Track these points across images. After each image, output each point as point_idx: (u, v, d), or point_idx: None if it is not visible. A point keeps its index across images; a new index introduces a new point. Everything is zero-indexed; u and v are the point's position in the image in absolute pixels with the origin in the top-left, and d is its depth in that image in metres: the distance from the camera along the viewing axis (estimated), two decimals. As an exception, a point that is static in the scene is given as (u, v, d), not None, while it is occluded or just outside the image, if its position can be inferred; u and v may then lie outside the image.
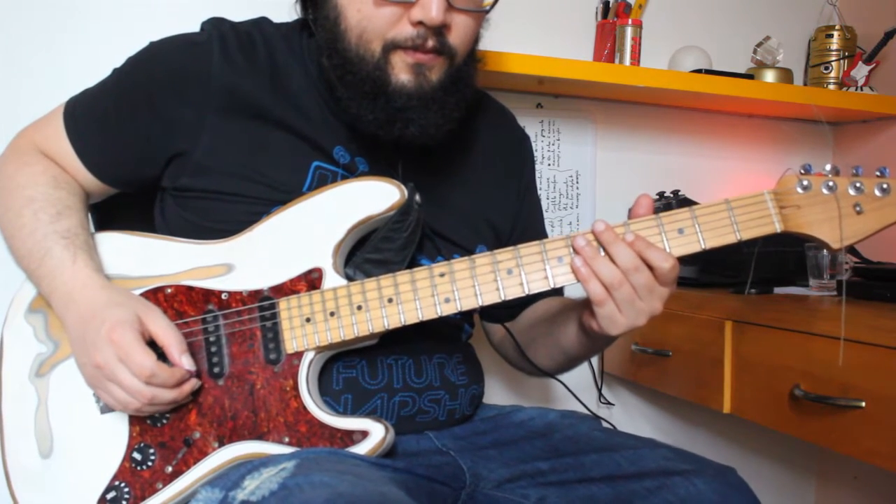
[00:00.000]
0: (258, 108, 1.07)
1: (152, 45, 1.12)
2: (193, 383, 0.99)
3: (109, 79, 1.14)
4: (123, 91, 1.11)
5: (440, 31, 1.01)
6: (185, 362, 0.97)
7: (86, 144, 1.11)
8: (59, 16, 1.55)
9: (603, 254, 0.96)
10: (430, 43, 1.01)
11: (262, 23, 1.14)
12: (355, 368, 1.06)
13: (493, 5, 1.06)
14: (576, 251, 0.96)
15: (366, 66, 1.02)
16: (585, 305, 1.01)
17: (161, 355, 0.97)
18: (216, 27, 1.10)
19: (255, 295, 1.02)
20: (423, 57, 1.02)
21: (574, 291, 1.04)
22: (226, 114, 1.06)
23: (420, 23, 0.99)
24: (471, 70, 1.09)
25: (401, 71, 1.02)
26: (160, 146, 1.08)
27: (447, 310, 0.99)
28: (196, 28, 1.13)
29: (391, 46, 1.01)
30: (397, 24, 1.00)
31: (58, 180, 1.10)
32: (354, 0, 1.01)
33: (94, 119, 1.11)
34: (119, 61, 1.14)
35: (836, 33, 2.05)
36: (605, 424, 1.21)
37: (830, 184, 0.97)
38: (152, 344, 0.97)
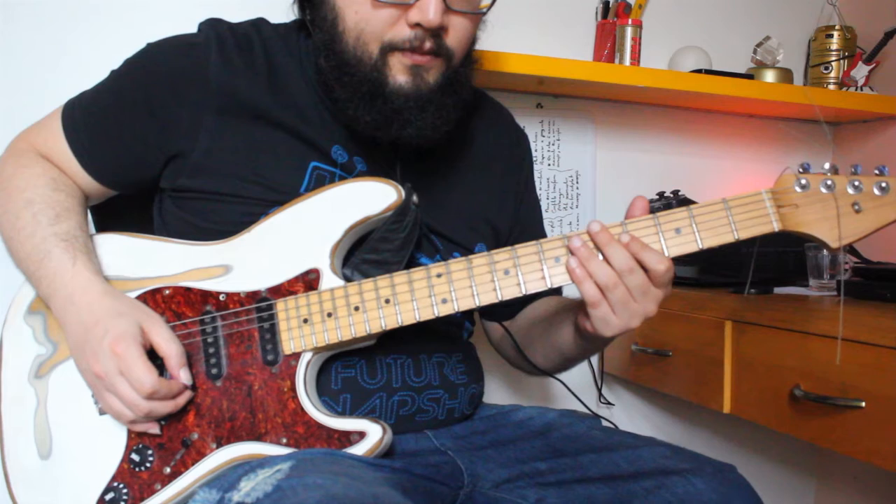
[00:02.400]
0: (255, 108, 1.07)
1: (149, 46, 1.13)
2: (188, 395, 0.99)
3: (107, 81, 1.14)
4: (121, 93, 1.11)
5: (437, 32, 1.01)
6: (184, 376, 0.98)
7: (84, 146, 1.12)
8: (56, 18, 1.55)
9: (598, 254, 0.96)
10: (428, 45, 1.01)
11: (259, 23, 1.14)
12: (354, 368, 1.06)
13: (489, 7, 1.06)
14: (571, 252, 0.96)
15: (363, 67, 1.02)
16: (580, 306, 1.01)
17: (160, 365, 0.98)
18: (213, 28, 1.10)
19: (253, 296, 1.02)
20: (420, 59, 1.02)
21: (572, 291, 1.04)
22: (223, 114, 1.06)
23: (417, 25, 0.99)
24: (468, 71, 1.10)
25: (398, 72, 1.02)
26: (158, 147, 1.09)
27: (444, 310, 0.99)
28: (193, 29, 1.13)
29: (389, 48, 1.01)
30: (395, 26, 1.01)
31: (57, 182, 1.10)
32: (352, 2, 1.01)
33: (93, 121, 1.12)
34: (116, 63, 1.14)
35: (836, 33, 2.05)
36: (605, 423, 1.21)
37: (829, 182, 0.97)
38: (151, 353, 0.98)
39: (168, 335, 0.98)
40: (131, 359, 0.94)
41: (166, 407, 0.97)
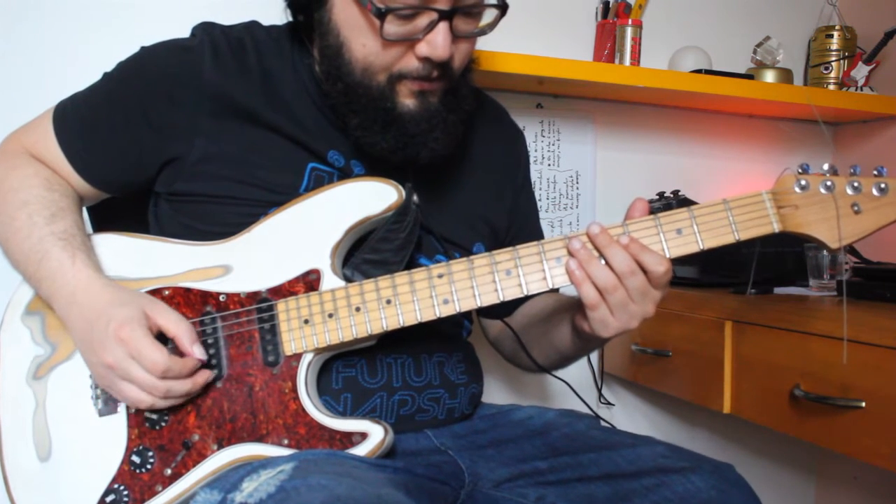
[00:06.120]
0: (250, 111, 1.07)
1: (143, 50, 1.12)
2: (207, 374, 0.99)
3: (100, 84, 1.14)
4: (115, 97, 1.10)
5: (446, 62, 1.01)
6: (197, 351, 0.97)
7: (76, 149, 1.11)
8: (49, 20, 1.55)
9: (598, 257, 0.96)
10: (436, 73, 1.02)
11: (252, 27, 1.14)
12: (355, 367, 1.06)
13: (493, 26, 1.05)
14: (571, 254, 0.96)
15: (371, 92, 1.03)
16: (578, 307, 1.01)
17: (171, 349, 0.98)
18: (207, 32, 1.10)
19: (254, 297, 1.02)
20: (428, 86, 1.04)
21: (571, 289, 1.04)
22: (218, 118, 1.06)
23: (426, 58, 1.00)
24: (468, 80, 1.10)
25: (406, 97, 1.04)
26: (153, 153, 1.08)
27: (446, 311, 0.99)
28: (187, 32, 1.13)
29: (398, 77, 1.02)
30: (403, 58, 1.01)
31: (50, 182, 1.09)
32: (358, 34, 1.01)
33: (85, 124, 1.11)
34: (109, 65, 1.14)
35: (836, 33, 2.05)
36: (603, 424, 1.21)
37: (828, 183, 0.97)
38: (160, 338, 0.97)
39: (174, 316, 0.98)
40: (138, 340, 0.94)
41: (184, 386, 0.96)
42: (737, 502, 0.99)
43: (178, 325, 0.97)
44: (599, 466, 1.06)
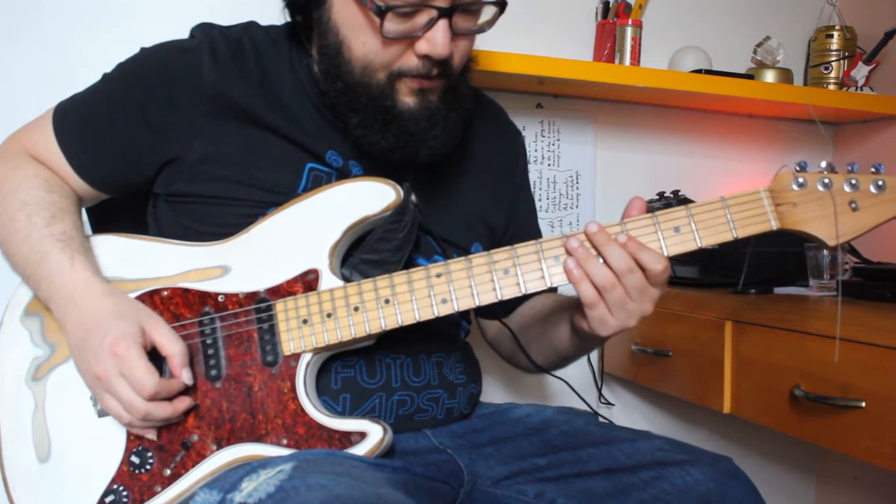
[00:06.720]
0: (249, 112, 1.07)
1: (143, 51, 1.12)
2: (187, 402, 0.99)
3: (99, 84, 1.14)
4: (114, 98, 1.10)
5: (445, 60, 1.02)
6: (185, 376, 0.97)
7: (75, 149, 1.11)
8: (50, 21, 1.55)
9: (596, 255, 0.96)
10: (435, 71, 1.02)
11: (250, 27, 1.14)
12: (354, 368, 1.06)
13: (492, 23, 1.05)
14: (569, 252, 0.96)
15: (370, 90, 1.03)
16: (577, 306, 1.01)
17: (160, 366, 0.98)
18: (206, 33, 1.10)
19: (252, 297, 1.02)
20: (427, 83, 1.04)
21: (569, 289, 1.04)
22: (217, 119, 1.06)
23: (426, 56, 1.00)
24: (466, 78, 1.11)
25: (405, 95, 1.04)
26: (153, 153, 1.08)
27: (444, 310, 0.99)
28: (186, 33, 1.13)
29: (397, 75, 1.03)
30: (403, 56, 1.01)
31: (50, 183, 1.09)
32: (358, 33, 1.02)
33: (85, 124, 1.11)
34: (109, 66, 1.14)
35: (836, 33, 2.05)
36: (601, 420, 1.21)
37: (826, 181, 0.97)
38: (153, 354, 0.98)
39: (170, 334, 0.98)
40: (132, 360, 0.94)
41: (164, 411, 0.96)
42: (735, 494, 1.00)
43: (172, 345, 0.97)
44: (598, 461, 1.06)
